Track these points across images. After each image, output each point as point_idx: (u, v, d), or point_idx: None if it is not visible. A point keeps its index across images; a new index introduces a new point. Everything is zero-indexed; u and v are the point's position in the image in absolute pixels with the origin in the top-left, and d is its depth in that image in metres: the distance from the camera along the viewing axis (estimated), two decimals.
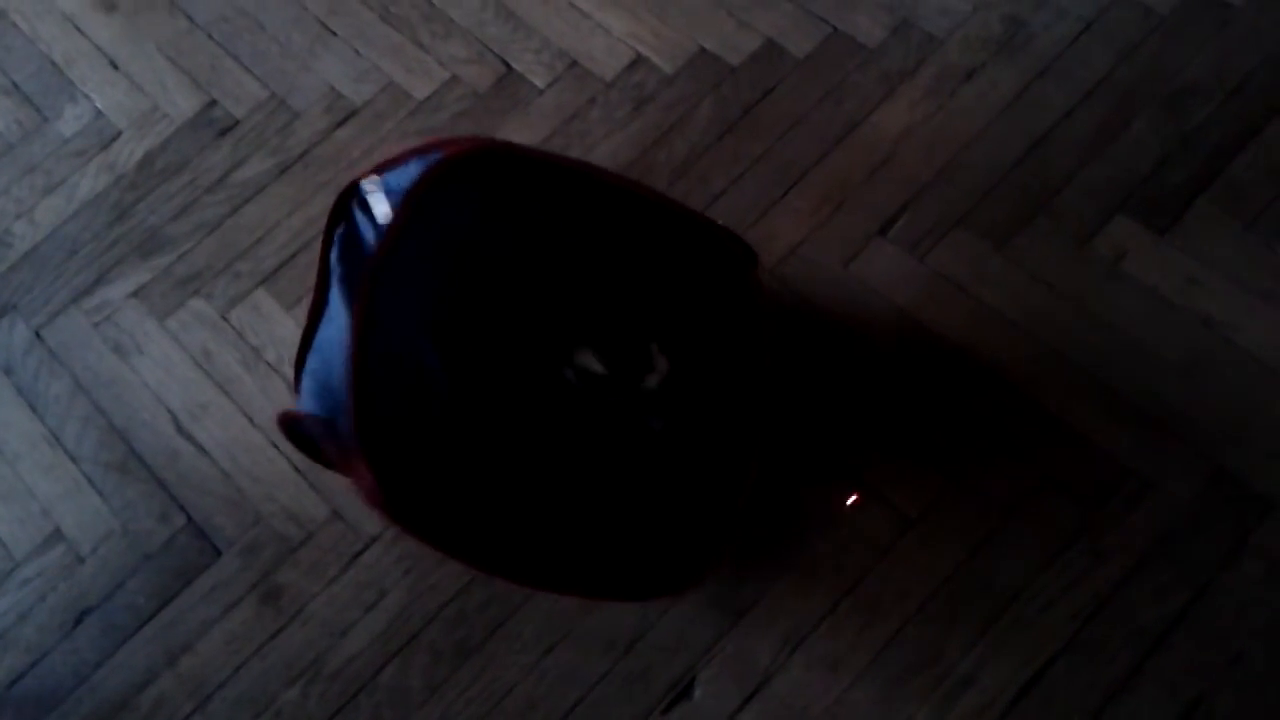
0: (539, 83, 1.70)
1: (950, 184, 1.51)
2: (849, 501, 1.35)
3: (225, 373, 1.54)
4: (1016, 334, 1.41)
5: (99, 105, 1.83)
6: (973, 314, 1.43)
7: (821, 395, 1.41)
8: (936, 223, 1.49)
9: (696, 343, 1.07)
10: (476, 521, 1.01)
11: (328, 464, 1.08)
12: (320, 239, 1.09)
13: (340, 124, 1.73)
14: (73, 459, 1.53)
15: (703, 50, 1.67)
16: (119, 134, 1.79)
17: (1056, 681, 1.23)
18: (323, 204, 1.66)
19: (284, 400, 1.51)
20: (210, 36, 1.85)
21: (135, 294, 1.64)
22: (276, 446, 1.48)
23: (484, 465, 0.99)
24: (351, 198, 1.02)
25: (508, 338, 0.99)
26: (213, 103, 1.79)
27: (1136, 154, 1.50)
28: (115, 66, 1.86)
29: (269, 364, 1.55)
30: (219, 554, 1.43)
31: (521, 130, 1.65)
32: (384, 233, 0.96)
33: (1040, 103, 1.56)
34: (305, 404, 1.06)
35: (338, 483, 1.42)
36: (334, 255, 1.04)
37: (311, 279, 1.30)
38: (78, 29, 1.90)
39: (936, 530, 1.31)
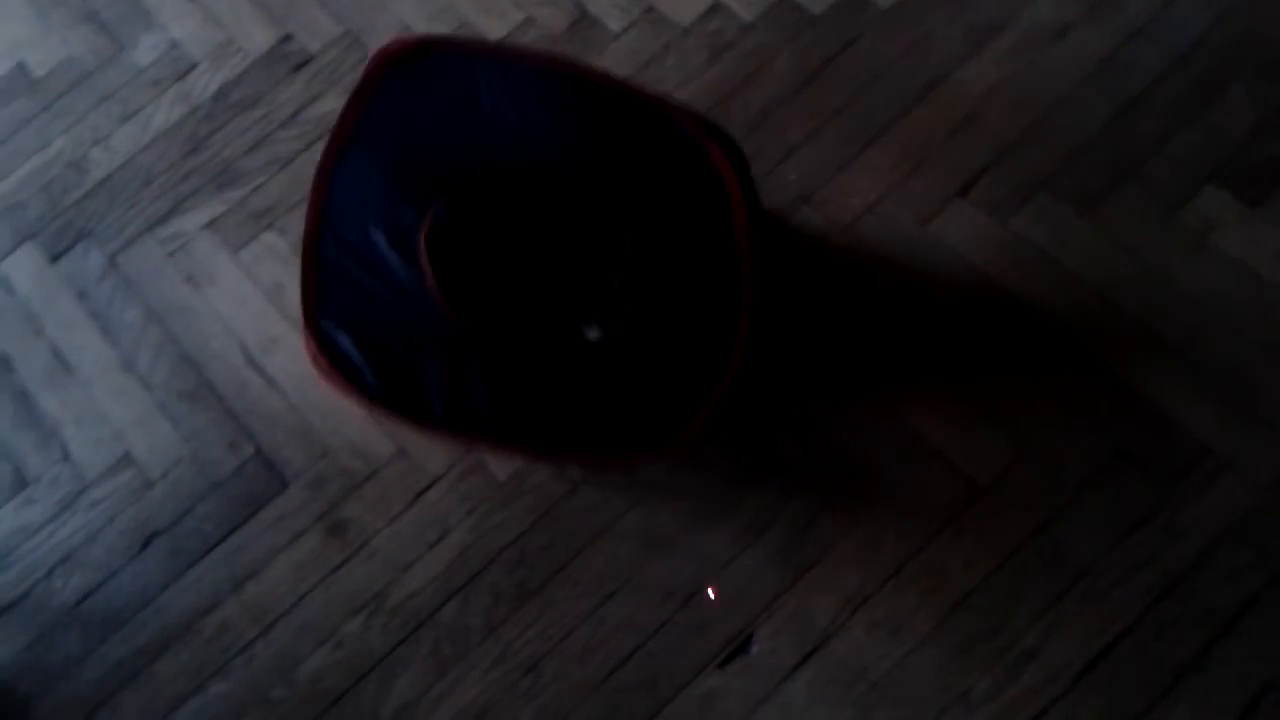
0: (614, 26, 1.68)
1: (1035, 146, 1.47)
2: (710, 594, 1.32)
3: (296, 307, 1.54)
4: (1097, 303, 1.38)
5: (175, 36, 1.83)
6: (1053, 280, 1.39)
7: (891, 356, 1.39)
8: (1019, 185, 1.45)
9: (657, 227, 1.06)
10: (416, 382, 1.07)
11: None
12: None
13: None
14: (145, 385, 1.55)
15: None
16: (194, 65, 1.79)
17: (1123, 659, 1.22)
18: None
19: None
20: None
21: (209, 225, 1.64)
22: None
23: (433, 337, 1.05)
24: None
25: (462, 228, 1.06)
26: (287, 37, 1.78)
27: (1230, 122, 1.45)
28: None
29: None
30: (286, 485, 1.45)
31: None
32: (335, 124, 1.08)
33: (1132, 65, 1.51)
34: None
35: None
36: None
37: None
38: None
39: (1006, 500, 1.30)
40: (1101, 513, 1.28)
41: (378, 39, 1.74)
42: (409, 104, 1.10)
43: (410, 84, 1.09)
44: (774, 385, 1.40)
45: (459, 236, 1.08)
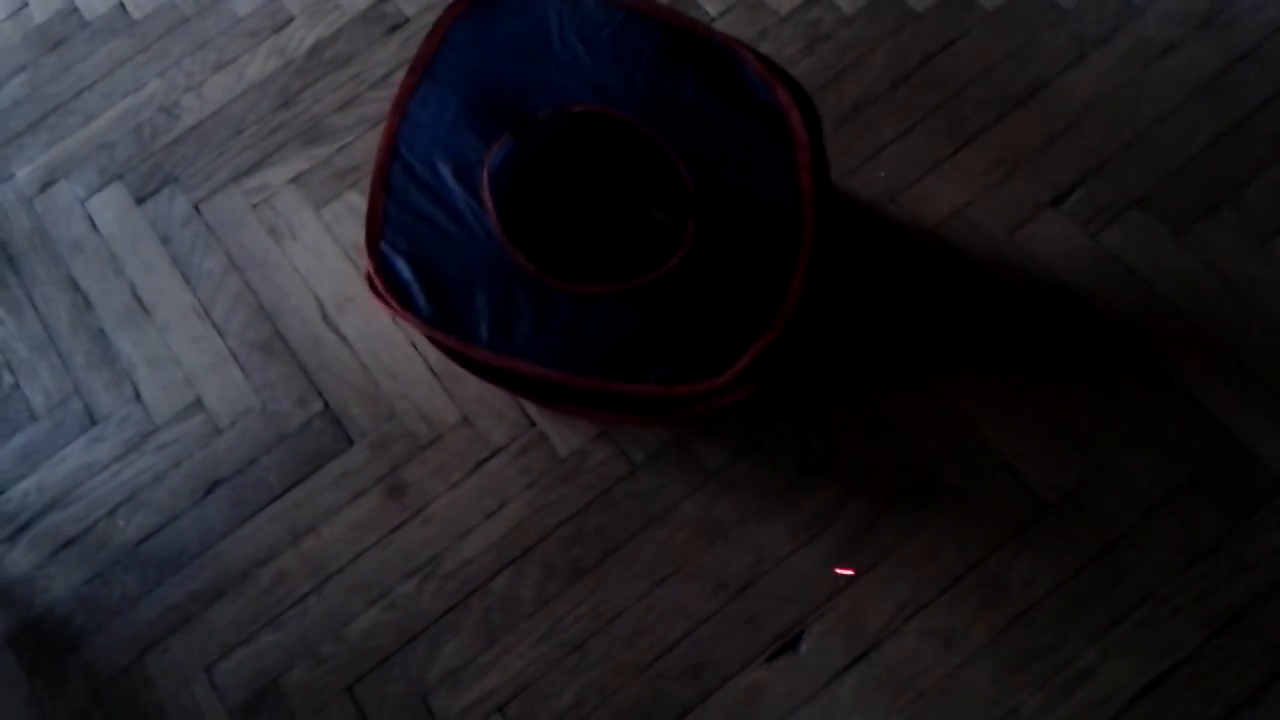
0: (710, 10, 1.66)
1: (1133, 162, 1.44)
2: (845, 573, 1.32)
3: None
4: (1183, 326, 1.34)
5: None
6: (1140, 299, 1.36)
7: (968, 363, 1.37)
8: (1113, 200, 1.42)
9: (721, 167, 1.07)
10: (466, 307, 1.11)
11: None
12: None
13: None
14: (220, 334, 1.57)
15: None
16: (291, 19, 1.81)
17: (1179, 688, 1.19)
18: None
19: None
20: None
21: (294, 180, 1.66)
22: (415, 346, 1.50)
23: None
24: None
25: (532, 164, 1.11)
26: None
27: None
28: None
29: None
30: (351, 443, 1.46)
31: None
32: (413, 61, 1.13)
33: (1238, 87, 1.47)
34: None
35: (471, 389, 1.44)
36: None
37: None
38: None
39: (1074, 518, 1.27)
40: (1170, 539, 1.25)
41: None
42: (483, 39, 1.13)
43: (486, 21, 1.13)
44: (844, 383, 1.38)
45: (523, 172, 1.11)
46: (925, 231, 1.44)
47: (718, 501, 1.36)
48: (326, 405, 1.49)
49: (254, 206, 1.65)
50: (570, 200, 1.13)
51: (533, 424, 1.43)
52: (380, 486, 1.43)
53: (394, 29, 1.75)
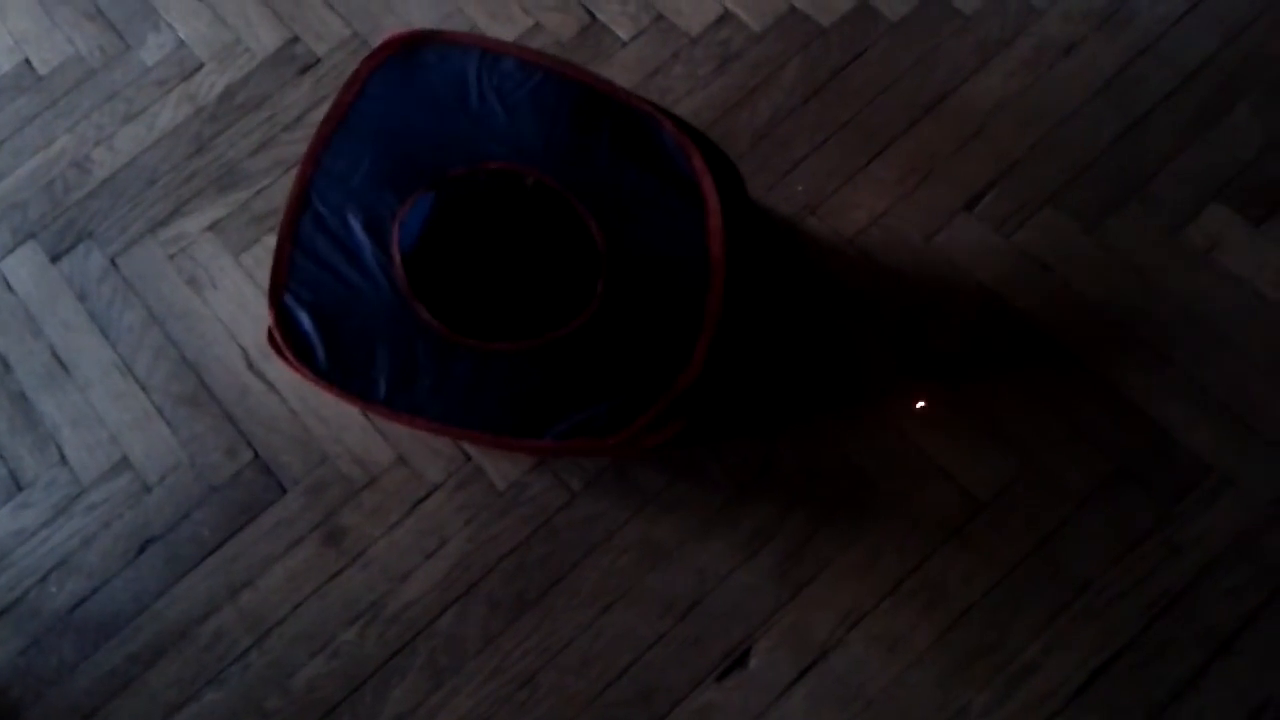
0: (623, 34, 1.67)
1: (1042, 162, 1.47)
2: (918, 406, 1.34)
3: None
4: (1101, 319, 1.37)
5: (182, 35, 1.82)
6: (1057, 296, 1.39)
7: (894, 369, 1.38)
8: (1025, 201, 1.45)
9: (631, 229, 1.07)
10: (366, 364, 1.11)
11: None
12: None
13: None
14: (143, 388, 1.54)
15: (793, 9, 1.63)
16: (201, 65, 1.79)
17: (1121, 676, 1.21)
18: None
19: None
20: None
21: (211, 228, 1.64)
22: None
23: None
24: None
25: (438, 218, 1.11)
26: (295, 39, 1.78)
27: (1237, 141, 1.45)
28: None
29: None
30: (284, 491, 1.44)
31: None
32: (328, 112, 1.13)
33: (1140, 82, 1.51)
34: None
35: (404, 429, 1.43)
36: None
37: None
38: None
39: (1007, 515, 1.29)
40: (1102, 529, 1.27)
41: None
42: (401, 92, 1.13)
43: (404, 74, 1.13)
44: (773, 397, 1.39)
45: (434, 228, 1.10)
46: (845, 242, 1.46)
47: (658, 524, 1.36)
48: (257, 454, 1.47)
49: (171, 257, 1.63)
50: (481, 257, 1.12)
51: (468, 459, 1.42)
52: (317, 534, 1.41)
53: (305, 70, 1.74)
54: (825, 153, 1.52)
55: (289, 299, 1.11)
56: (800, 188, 1.49)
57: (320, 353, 1.10)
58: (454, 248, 1.14)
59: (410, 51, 1.13)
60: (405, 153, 1.11)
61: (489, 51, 1.11)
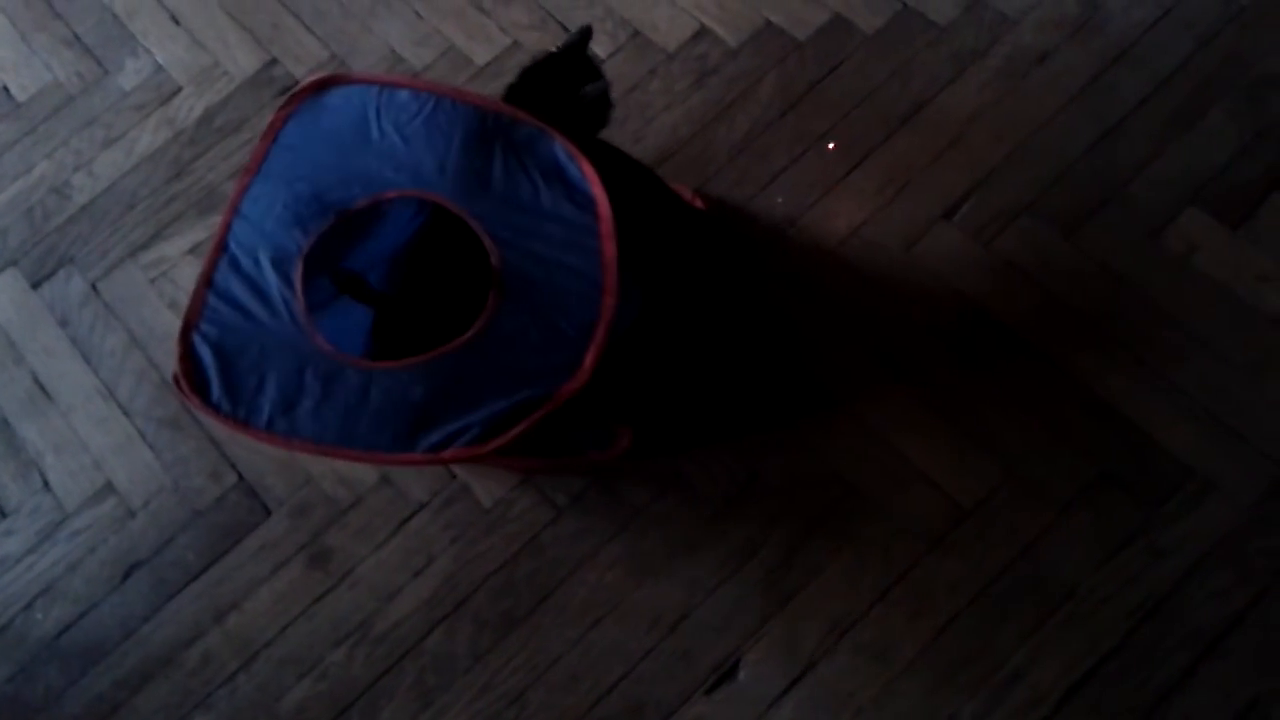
0: (600, 51, 1.68)
1: (1018, 170, 1.48)
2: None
3: None
4: (1080, 325, 1.38)
5: (159, 60, 1.83)
6: (1037, 303, 1.40)
7: (876, 379, 1.39)
8: (1003, 209, 1.46)
9: (526, 244, 1.11)
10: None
11: None
12: None
13: None
14: (126, 413, 1.54)
15: (769, 24, 1.64)
16: (179, 90, 1.79)
17: (1108, 680, 1.22)
18: None
19: None
20: None
21: (192, 251, 1.64)
22: None
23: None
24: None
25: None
26: (273, 61, 1.78)
27: (1212, 145, 1.46)
28: (177, 21, 1.86)
29: None
30: (269, 514, 1.44)
31: None
32: (248, 161, 1.17)
33: (1114, 89, 1.52)
34: None
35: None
36: None
37: None
38: None
39: (991, 523, 1.30)
40: (1086, 534, 1.28)
41: (363, 63, 1.74)
42: (309, 135, 1.17)
43: (313, 118, 1.18)
44: (756, 410, 1.39)
45: (335, 259, 1.14)
46: (826, 253, 1.47)
47: (645, 538, 1.36)
48: (240, 477, 1.46)
49: (152, 281, 1.63)
50: (376, 282, 1.16)
51: (454, 477, 1.42)
52: (302, 555, 1.41)
53: (284, 92, 1.75)
54: (803, 165, 1.52)
55: (195, 337, 1.15)
56: (780, 200, 1.50)
57: (215, 385, 1.13)
58: (350, 273, 1.17)
59: (317, 96, 1.19)
60: (313, 192, 1.15)
61: (385, 86, 1.16)
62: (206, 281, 1.16)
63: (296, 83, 1.75)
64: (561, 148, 1.11)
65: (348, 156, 1.15)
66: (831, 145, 1.53)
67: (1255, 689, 1.20)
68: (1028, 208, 1.45)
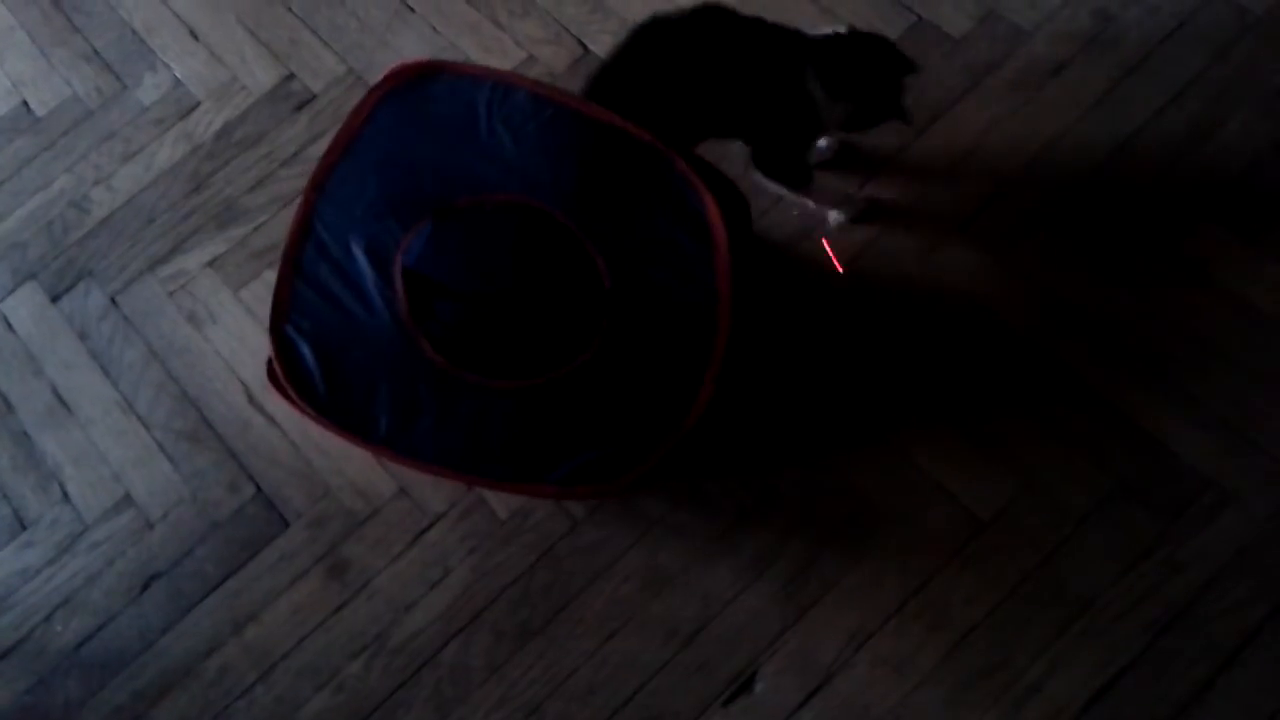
0: None
1: (1033, 182, 1.48)
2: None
3: None
4: (1097, 338, 1.38)
5: (178, 74, 1.84)
6: (1052, 315, 1.40)
7: (893, 391, 1.39)
8: (1018, 221, 1.46)
9: (639, 268, 1.06)
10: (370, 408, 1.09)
11: None
12: None
13: None
14: (145, 425, 1.55)
15: None
16: (197, 104, 1.80)
17: (1126, 693, 1.21)
18: None
19: None
20: (289, 9, 1.86)
21: (211, 264, 1.65)
22: None
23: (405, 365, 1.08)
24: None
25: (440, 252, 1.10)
26: (291, 76, 1.80)
27: (1227, 157, 1.46)
28: (195, 36, 1.87)
29: None
30: (287, 525, 1.44)
31: None
32: (334, 139, 1.12)
33: (1129, 101, 1.52)
34: None
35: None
36: None
37: None
38: None
39: (1008, 534, 1.29)
40: (1103, 546, 1.27)
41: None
42: (409, 121, 1.12)
43: (412, 104, 1.12)
44: (774, 421, 1.40)
45: (436, 258, 1.09)
46: (842, 265, 1.47)
47: (661, 549, 1.36)
48: (259, 489, 1.47)
49: (171, 294, 1.64)
50: (485, 291, 1.11)
51: (470, 488, 1.42)
52: (320, 567, 1.41)
53: (301, 106, 1.76)
54: (819, 177, 1.52)
55: (290, 329, 1.10)
56: (795, 212, 1.50)
57: (320, 387, 1.08)
58: (457, 279, 1.13)
59: (420, 82, 1.12)
60: (411, 182, 1.10)
61: (500, 84, 1.10)
62: (293, 264, 1.10)
63: (314, 97, 1.77)
64: (680, 175, 1.06)
65: (452, 150, 1.09)
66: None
67: (1275, 702, 1.19)
68: (1043, 220, 1.45)
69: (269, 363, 1.09)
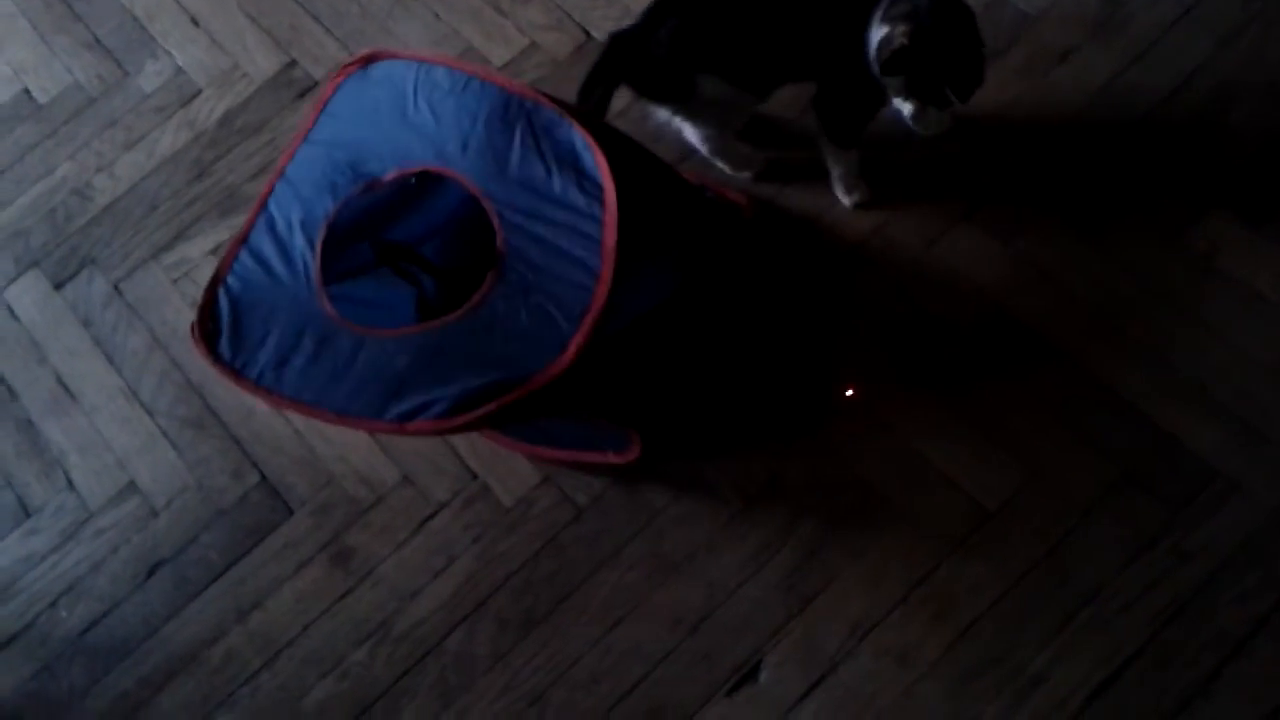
0: None
1: (1040, 168, 1.48)
2: (847, 393, 1.37)
3: None
4: (1103, 326, 1.37)
5: (180, 62, 1.84)
6: (1058, 304, 1.39)
7: (896, 380, 1.39)
8: (1024, 208, 1.45)
9: (531, 221, 1.12)
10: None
11: None
12: None
13: None
14: (149, 412, 1.55)
15: None
16: (199, 91, 1.80)
17: (1132, 684, 1.21)
18: None
19: None
20: None
21: (214, 251, 1.65)
22: None
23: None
24: None
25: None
26: (292, 63, 1.79)
27: (1234, 145, 1.45)
28: (196, 23, 1.87)
29: None
30: (291, 513, 1.44)
31: None
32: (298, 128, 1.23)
33: (1136, 88, 1.51)
34: None
35: (409, 446, 1.43)
36: None
37: None
38: None
39: (1014, 524, 1.29)
40: (1109, 536, 1.27)
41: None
42: (354, 107, 1.21)
43: (359, 90, 1.22)
44: (779, 409, 1.39)
45: (345, 223, 1.18)
46: (848, 251, 1.46)
47: (665, 538, 1.36)
48: (263, 476, 1.47)
49: (175, 281, 1.63)
50: (386, 252, 1.22)
51: (474, 476, 1.42)
52: (324, 554, 1.41)
53: (304, 93, 1.75)
54: (815, 165, 1.51)
55: (220, 290, 1.18)
56: (802, 197, 1.50)
57: (225, 336, 1.18)
58: (362, 242, 1.23)
59: (365, 69, 1.22)
60: (350, 161, 1.19)
61: (425, 63, 1.19)
62: (243, 238, 1.21)
63: (316, 84, 1.76)
64: (579, 135, 1.12)
65: (385, 129, 1.18)
66: None
67: None
68: (1049, 208, 1.45)
69: (195, 319, 1.17)
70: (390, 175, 1.17)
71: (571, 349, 1.08)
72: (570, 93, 1.57)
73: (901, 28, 1.19)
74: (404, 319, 1.17)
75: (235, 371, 1.17)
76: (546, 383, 1.08)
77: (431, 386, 1.11)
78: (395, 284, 1.27)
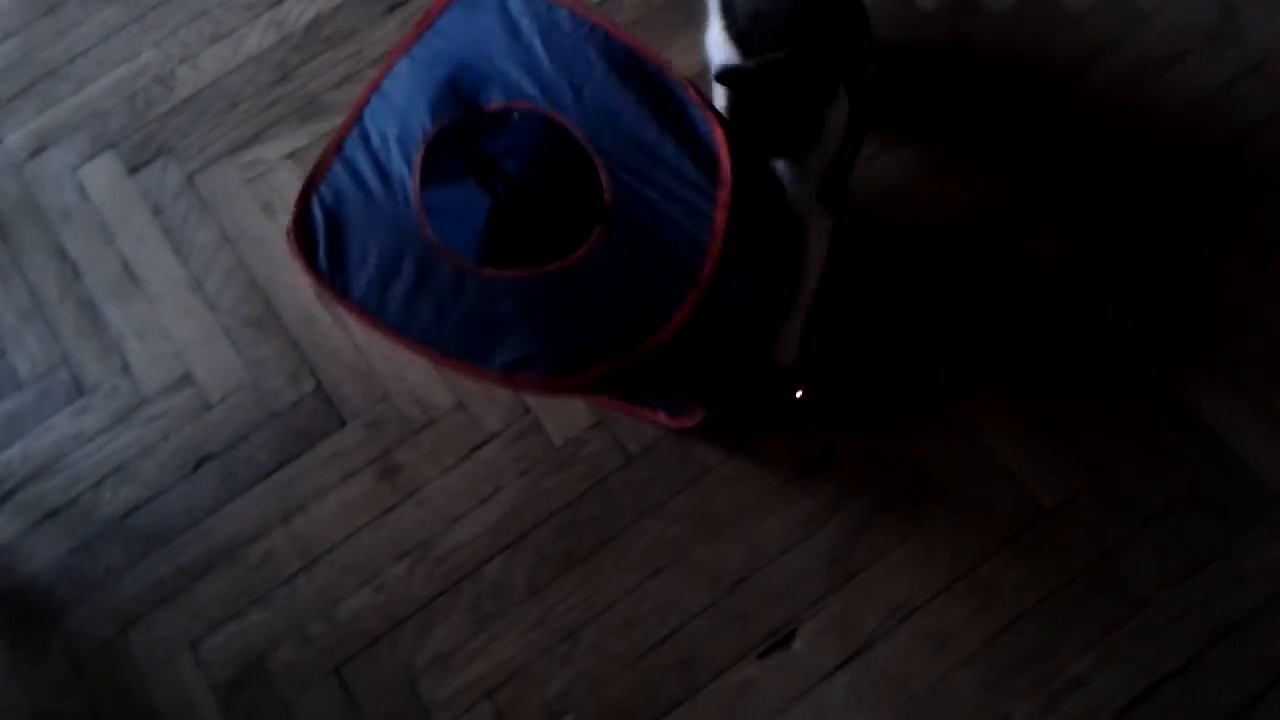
0: None
1: (1139, 170, 1.44)
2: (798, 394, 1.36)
3: None
4: (1186, 338, 1.35)
5: None
6: (1143, 311, 1.37)
7: (971, 368, 1.37)
8: (1120, 210, 1.42)
9: (640, 187, 1.11)
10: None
11: None
12: None
13: None
14: (211, 308, 1.54)
15: None
16: None
17: (1170, 698, 1.20)
18: None
19: None
20: None
21: (290, 156, 1.64)
22: None
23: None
24: None
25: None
26: None
27: None
28: None
29: None
30: (343, 423, 1.44)
31: (691, 49, 1.59)
32: (400, 41, 1.21)
33: (1244, 100, 1.48)
34: None
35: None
36: None
37: None
38: None
39: (1070, 525, 1.28)
40: (1166, 550, 1.25)
41: None
42: (462, 28, 1.19)
43: (470, 13, 1.19)
44: (842, 383, 1.38)
45: (450, 151, 1.16)
46: (929, 236, 1.44)
47: (713, 496, 1.35)
48: (319, 384, 1.47)
49: (248, 181, 1.63)
50: (489, 187, 1.17)
51: (528, 411, 1.42)
52: (373, 468, 1.41)
53: (393, 9, 1.74)
54: (912, 143, 1.49)
55: (314, 200, 1.17)
56: (887, 174, 1.47)
57: (322, 248, 1.16)
58: (466, 174, 1.19)
59: None
60: (452, 83, 1.16)
61: (548, 1, 1.17)
62: (336, 147, 1.19)
63: (407, 0, 1.74)
64: (699, 110, 1.10)
65: (493, 58, 1.16)
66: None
67: None
68: (1145, 212, 1.42)
69: (288, 226, 1.16)
70: (494, 106, 1.14)
71: (675, 321, 1.06)
72: (662, 38, 1.55)
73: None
74: (474, 226, 1.14)
75: (335, 289, 1.16)
76: (650, 352, 1.07)
77: (534, 338, 1.10)
78: (463, 190, 1.21)
